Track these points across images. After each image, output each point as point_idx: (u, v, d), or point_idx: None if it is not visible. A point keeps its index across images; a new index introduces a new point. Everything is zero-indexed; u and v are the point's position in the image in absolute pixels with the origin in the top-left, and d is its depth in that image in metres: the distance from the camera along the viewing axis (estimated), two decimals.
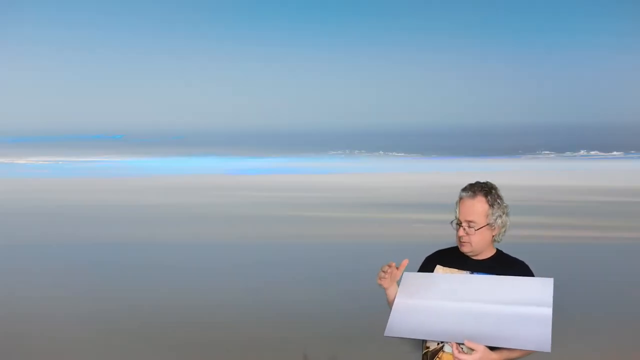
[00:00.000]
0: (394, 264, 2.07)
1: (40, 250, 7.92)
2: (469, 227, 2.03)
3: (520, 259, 2.13)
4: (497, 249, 2.14)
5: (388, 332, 1.94)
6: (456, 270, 2.09)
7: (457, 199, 2.11)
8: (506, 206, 2.07)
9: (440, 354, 2.00)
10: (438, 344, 2.00)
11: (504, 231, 2.08)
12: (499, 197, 2.06)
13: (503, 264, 2.09)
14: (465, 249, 2.07)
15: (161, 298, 5.67)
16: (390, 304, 2.10)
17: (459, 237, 2.06)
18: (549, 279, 1.92)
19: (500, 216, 2.04)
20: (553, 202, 11.26)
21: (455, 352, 1.84)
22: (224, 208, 11.13)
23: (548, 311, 1.83)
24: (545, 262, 6.73)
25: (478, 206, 2.03)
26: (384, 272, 2.06)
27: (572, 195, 11.97)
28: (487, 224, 2.04)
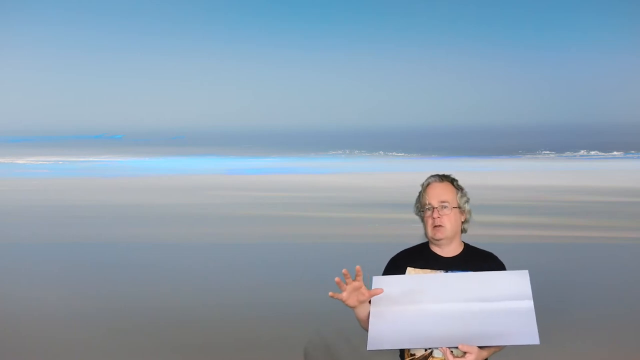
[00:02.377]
0: (347, 273, 1.91)
1: (40, 250, 7.92)
2: (443, 207, 2.01)
3: (501, 251, 2.12)
4: (465, 243, 2.11)
5: (371, 346, 1.85)
6: (429, 270, 2.02)
7: (420, 190, 2.11)
8: (469, 198, 2.10)
9: None
10: (425, 350, 1.93)
11: (469, 219, 2.08)
12: (462, 187, 2.10)
13: (475, 258, 2.06)
14: (439, 235, 2.01)
15: (161, 298, 5.67)
16: (362, 323, 1.98)
17: (433, 221, 2.01)
18: (524, 271, 1.91)
19: (467, 202, 2.06)
20: (553, 202, 11.26)
21: (450, 358, 1.80)
22: (224, 208, 11.12)
23: (529, 304, 1.82)
24: (545, 262, 6.74)
25: (448, 188, 2.04)
26: (343, 284, 1.90)
27: (572, 195, 11.96)
28: (458, 207, 2.04)
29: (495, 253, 2.14)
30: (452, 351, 1.82)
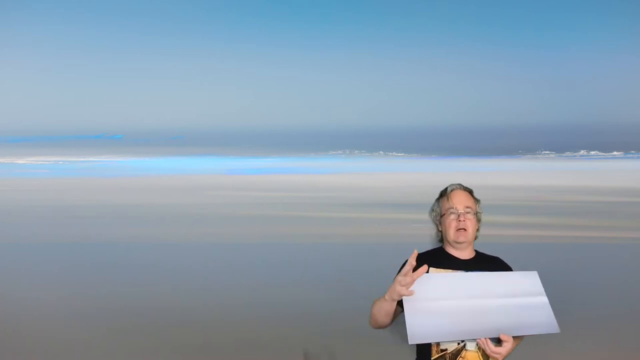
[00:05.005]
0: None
1: (40, 250, 7.92)
2: (467, 212, 2.13)
3: (500, 252, 2.25)
4: (475, 250, 2.22)
5: (412, 340, 1.93)
6: (450, 270, 2.12)
7: (437, 198, 2.23)
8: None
9: (463, 354, 2.02)
10: (458, 343, 2.02)
11: (480, 227, 2.21)
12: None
13: (486, 261, 2.19)
14: (462, 238, 2.12)
15: (161, 298, 5.67)
16: (384, 314, 2.04)
17: (457, 224, 2.12)
18: (533, 272, 2.12)
19: (481, 212, 2.21)
20: (553, 202, 11.26)
21: (492, 346, 1.93)
22: (224, 208, 11.13)
23: (544, 299, 2.05)
24: (545, 262, 6.73)
25: (470, 197, 2.19)
26: (405, 279, 1.94)
27: (572, 195, 11.96)
28: (477, 215, 2.18)
29: (496, 254, 2.27)
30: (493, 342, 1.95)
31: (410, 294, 1.95)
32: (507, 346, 1.93)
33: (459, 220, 2.11)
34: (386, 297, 2.00)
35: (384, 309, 2.03)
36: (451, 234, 2.13)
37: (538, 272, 2.12)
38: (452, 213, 2.13)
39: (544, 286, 2.08)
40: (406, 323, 1.95)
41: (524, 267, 2.12)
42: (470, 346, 2.02)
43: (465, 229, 2.11)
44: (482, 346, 1.95)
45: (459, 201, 2.14)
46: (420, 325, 1.94)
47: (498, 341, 1.96)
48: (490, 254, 2.23)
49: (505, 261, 2.22)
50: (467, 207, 2.13)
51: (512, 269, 2.18)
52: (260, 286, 6.06)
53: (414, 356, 2.13)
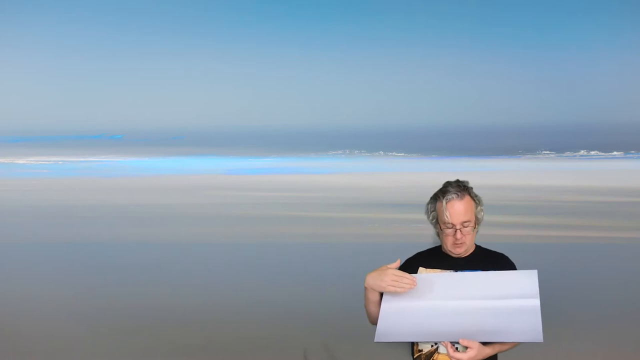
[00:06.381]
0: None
1: (40, 250, 7.92)
2: (464, 227, 2.02)
3: (502, 252, 2.15)
4: (477, 245, 2.15)
5: (378, 338, 1.91)
6: (439, 270, 2.07)
7: (433, 197, 2.10)
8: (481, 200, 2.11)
9: (435, 356, 1.98)
10: (432, 345, 1.98)
11: (481, 222, 2.11)
12: (477, 194, 2.10)
13: (485, 258, 2.10)
14: (459, 250, 2.05)
15: (161, 298, 5.68)
16: (372, 304, 2.04)
17: (454, 240, 2.03)
18: (532, 270, 1.93)
19: (482, 210, 2.08)
20: (553, 202, 11.26)
21: (450, 351, 1.83)
22: (224, 208, 11.12)
23: (536, 302, 1.84)
24: (545, 262, 6.73)
25: (469, 205, 2.04)
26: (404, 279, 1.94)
27: (572, 195, 11.96)
28: (477, 221, 2.07)
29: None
30: (456, 347, 1.85)
31: (402, 291, 1.93)
32: (470, 352, 1.79)
33: (456, 237, 2.02)
34: (365, 284, 2.01)
35: (370, 300, 2.04)
36: (448, 245, 2.07)
37: (538, 272, 1.96)
38: (448, 227, 2.03)
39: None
40: (378, 322, 1.94)
41: (524, 267, 2.03)
42: (443, 349, 1.95)
43: (463, 243, 2.04)
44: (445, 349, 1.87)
45: (456, 214, 2.00)
46: (389, 325, 1.91)
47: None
48: (495, 251, 2.14)
49: (510, 258, 2.12)
50: (465, 222, 2.01)
51: (517, 268, 2.08)
52: (260, 286, 6.06)
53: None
